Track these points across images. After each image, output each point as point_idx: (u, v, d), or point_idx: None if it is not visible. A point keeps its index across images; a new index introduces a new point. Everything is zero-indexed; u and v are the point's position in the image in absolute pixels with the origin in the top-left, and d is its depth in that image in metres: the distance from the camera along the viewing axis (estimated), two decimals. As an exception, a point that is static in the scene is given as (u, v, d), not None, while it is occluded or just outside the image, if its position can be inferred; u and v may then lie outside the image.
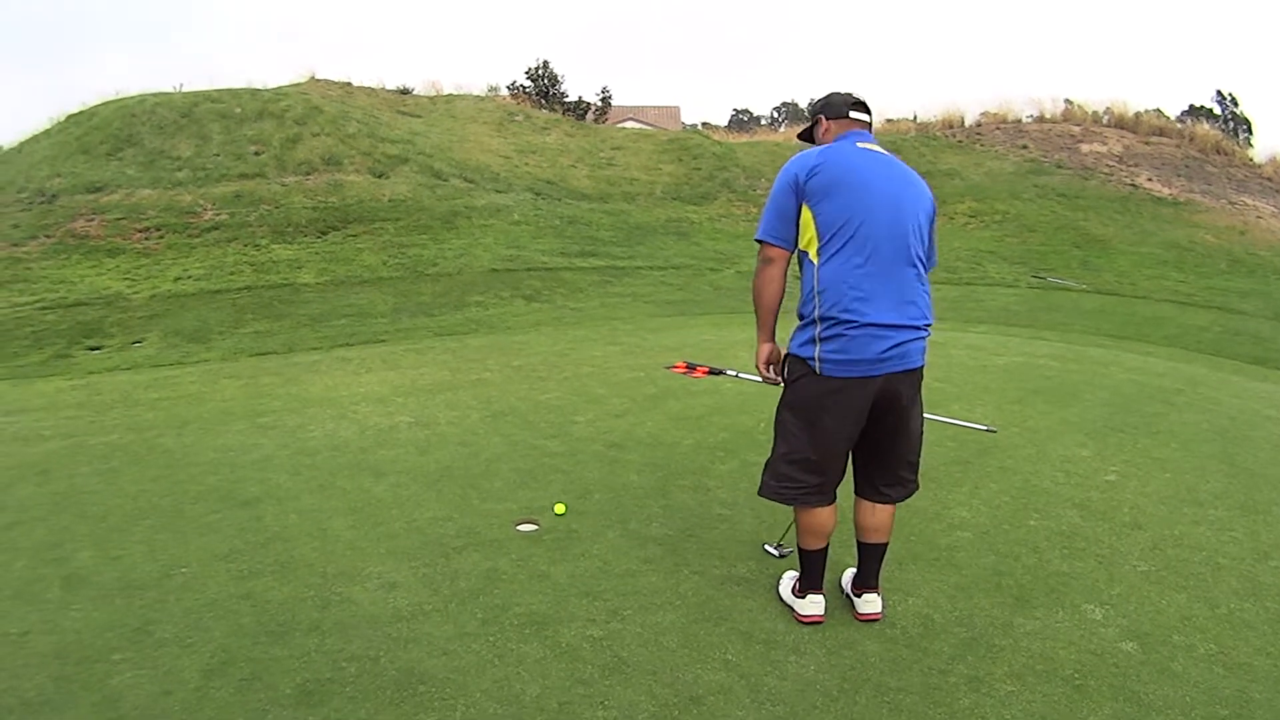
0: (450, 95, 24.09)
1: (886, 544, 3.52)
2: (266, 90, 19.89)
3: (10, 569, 4.14)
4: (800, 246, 3.28)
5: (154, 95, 18.88)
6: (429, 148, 19.33)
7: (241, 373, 8.73)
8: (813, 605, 3.50)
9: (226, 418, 6.88)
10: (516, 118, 23.17)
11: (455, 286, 12.88)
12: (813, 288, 3.20)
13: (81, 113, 18.52)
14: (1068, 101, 24.52)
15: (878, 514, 3.46)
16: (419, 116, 21.77)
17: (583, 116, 27.53)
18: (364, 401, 7.17)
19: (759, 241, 3.36)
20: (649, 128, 29.17)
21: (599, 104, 30.30)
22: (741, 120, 56.69)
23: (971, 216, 18.97)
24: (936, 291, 12.30)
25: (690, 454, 5.58)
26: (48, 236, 14.10)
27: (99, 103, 18.88)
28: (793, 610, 3.57)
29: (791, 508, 3.52)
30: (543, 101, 26.54)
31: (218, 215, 15.17)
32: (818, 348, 3.18)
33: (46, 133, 18.34)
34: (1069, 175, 21.31)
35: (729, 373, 7.33)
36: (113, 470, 5.64)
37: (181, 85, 19.89)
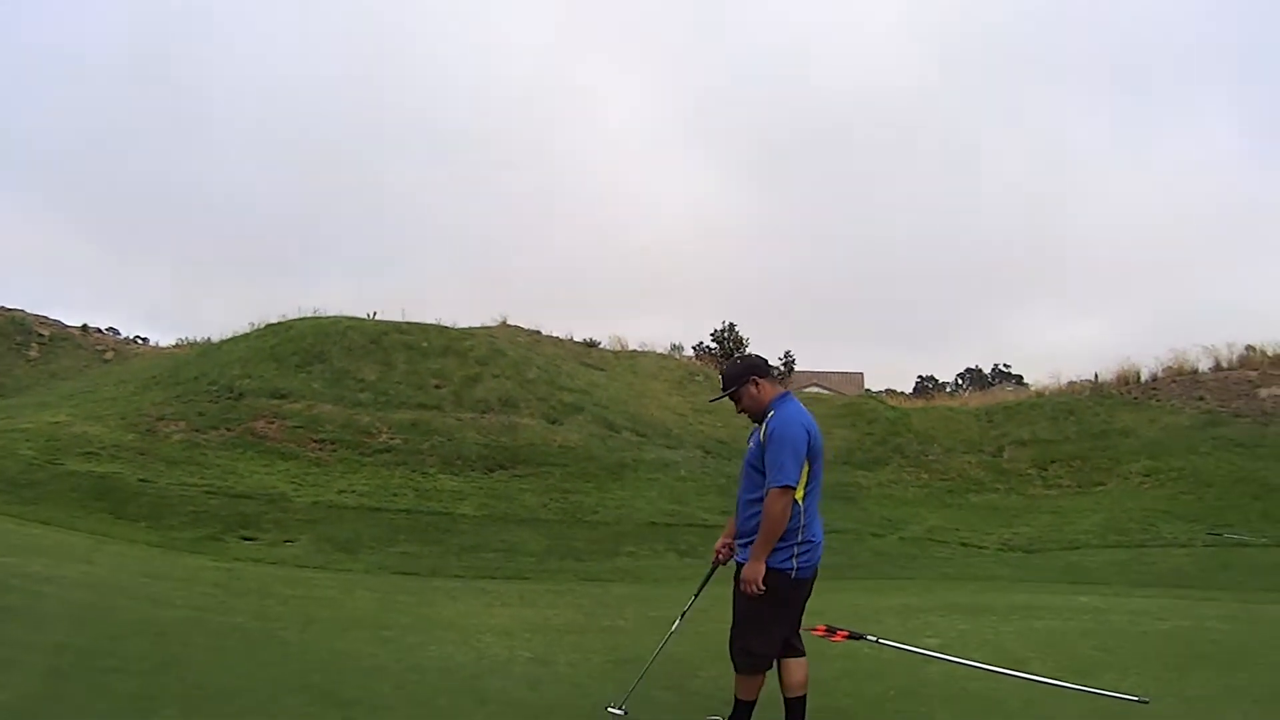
0: (634, 351, 25.03)
1: (805, 696, 4.56)
2: (454, 329, 21.17)
3: (95, 706, 4.25)
4: None
5: (348, 319, 20.46)
6: (606, 399, 19.89)
7: (380, 587, 8.78)
8: None
9: (351, 624, 6.86)
10: (697, 377, 23.76)
11: (610, 535, 12.82)
12: (799, 520, 4.33)
13: (280, 324, 20.23)
14: (1248, 348, 23.13)
15: (801, 668, 4.63)
16: (602, 370, 22.64)
17: (764, 380, 27.85)
18: (489, 632, 7.01)
19: (788, 486, 4.25)
20: (829, 392, 29.29)
21: (781, 368, 30.76)
22: (926, 387, 56.13)
23: (1146, 476, 17.80)
24: (1105, 554, 12.11)
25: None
26: (229, 430, 15.05)
27: (297, 318, 20.60)
28: None
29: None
30: (725, 362, 27.14)
31: (392, 439, 15.87)
32: (795, 560, 4.37)
33: (245, 336, 20.07)
34: (1247, 424, 19.81)
35: (869, 638, 6.84)
36: (226, 648, 5.68)
37: (375, 314, 21.51)
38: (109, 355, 23.69)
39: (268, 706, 4.59)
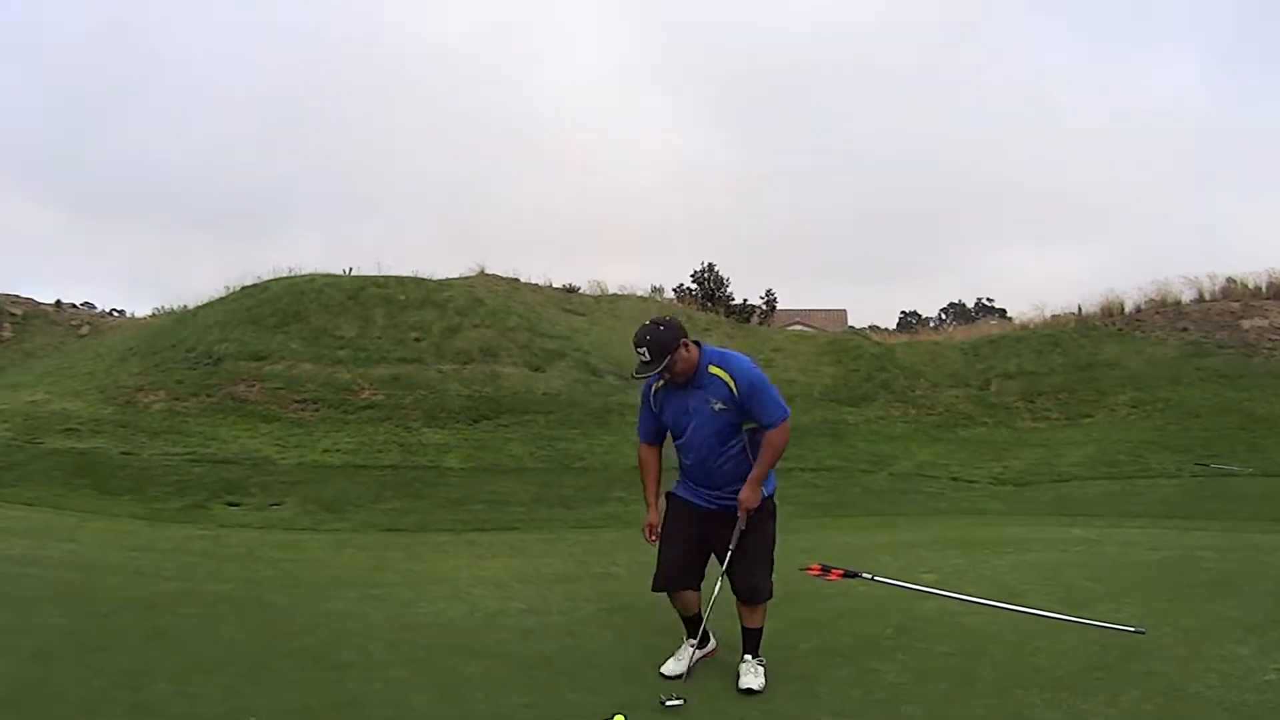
0: (615, 295, 24.90)
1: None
2: (432, 281, 21.08)
3: (86, 686, 4.31)
4: (746, 426, 4.57)
5: (323, 276, 20.32)
6: (588, 344, 19.89)
7: (368, 545, 8.86)
8: None
9: (341, 585, 6.93)
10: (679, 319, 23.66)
11: (599, 481, 12.91)
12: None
13: (255, 285, 20.07)
14: (1229, 279, 23.30)
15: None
16: (583, 315, 22.57)
17: (747, 319, 27.87)
18: (480, 584, 7.08)
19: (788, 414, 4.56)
20: (813, 330, 29.33)
21: (764, 307, 30.79)
22: (910, 322, 56.16)
23: (1133, 407, 17.98)
24: (1095, 486, 12.54)
25: (805, 658, 5.19)
26: (209, 396, 15.09)
27: (272, 278, 20.43)
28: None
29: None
30: (707, 304, 27.11)
31: (374, 395, 15.89)
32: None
33: (221, 300, 19.94)
34: (1232, 355, 20.04)
35: (864, 576, 6.94)
36: (216, 616, 5.77)
37: (351, 269, 21.34)
38: (84, 330, 23.46)
39: (259, 674, 4.64)
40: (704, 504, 4.66)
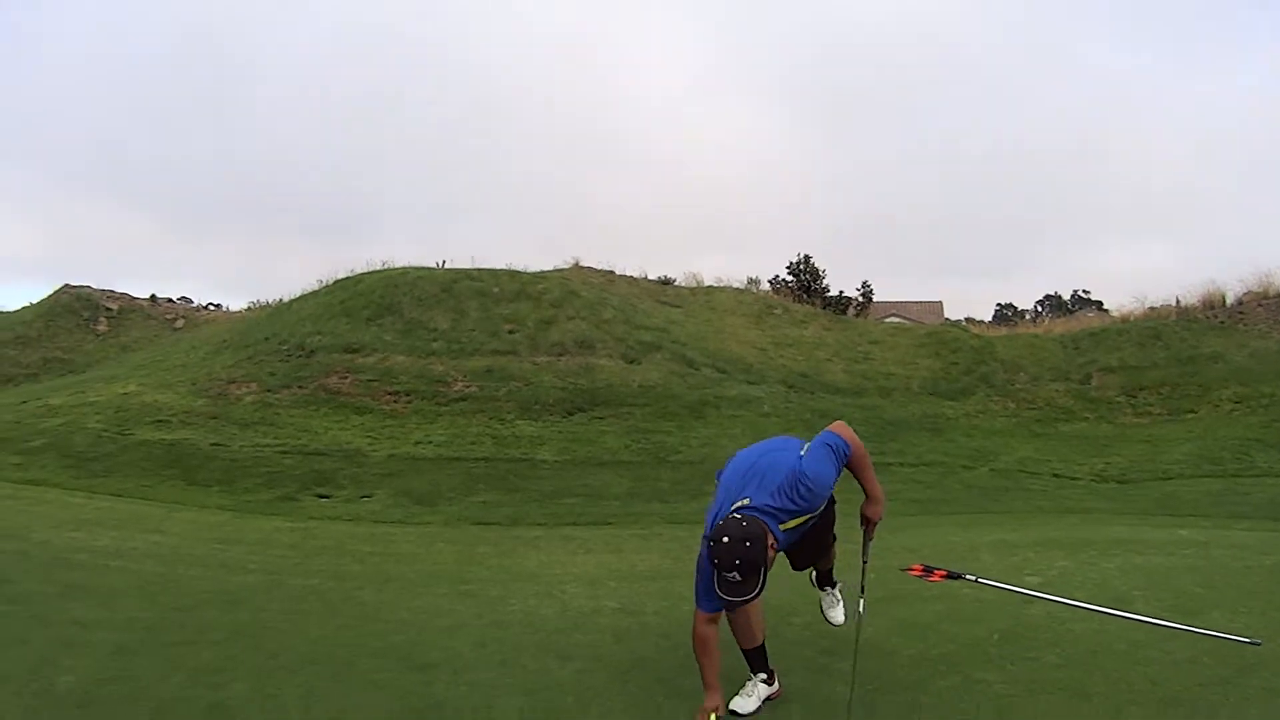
0: (710, 287, 24.62)
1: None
2: (526, 273, 20.98)
3: (164, 683, 4.28)
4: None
5: (417, 269, 20.43)
6: (684, 336, 19.61)
7: (459, 539, 8.69)
8: None
9: (430, 580, 6.77)
10: (775, 310, 23.28)
11: (696, 475, 12.57)
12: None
13: (349, 278, 20.27)
14: None
15: None
16: (678, 306, 22.32)
17: (843, 311, 27.28)
18: (573, 581, 6.84)
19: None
20: (910, 322, 28.70)
21: (860, 298, 30.16)
22: (1006, 314, 54.95)
23: (1237, 403, 17.06)
24: (1200, 485, 11.99)
25: (908, 666, 4.86)
26: (300, 387, 15.17)
27: (366, 271, 20.63)
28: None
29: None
30: (803, 295, 26.62)
31: (467, 387, 15.82)
32: None
33: (315, 293, 20.22)
34: None
35: (968, 577, 6.50)
36: (301, 612, 5.66)
37: (444, 262, 21.52)
38: (179, 324, 24.08)
39: (343, 674, 4.53)
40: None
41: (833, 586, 4.77)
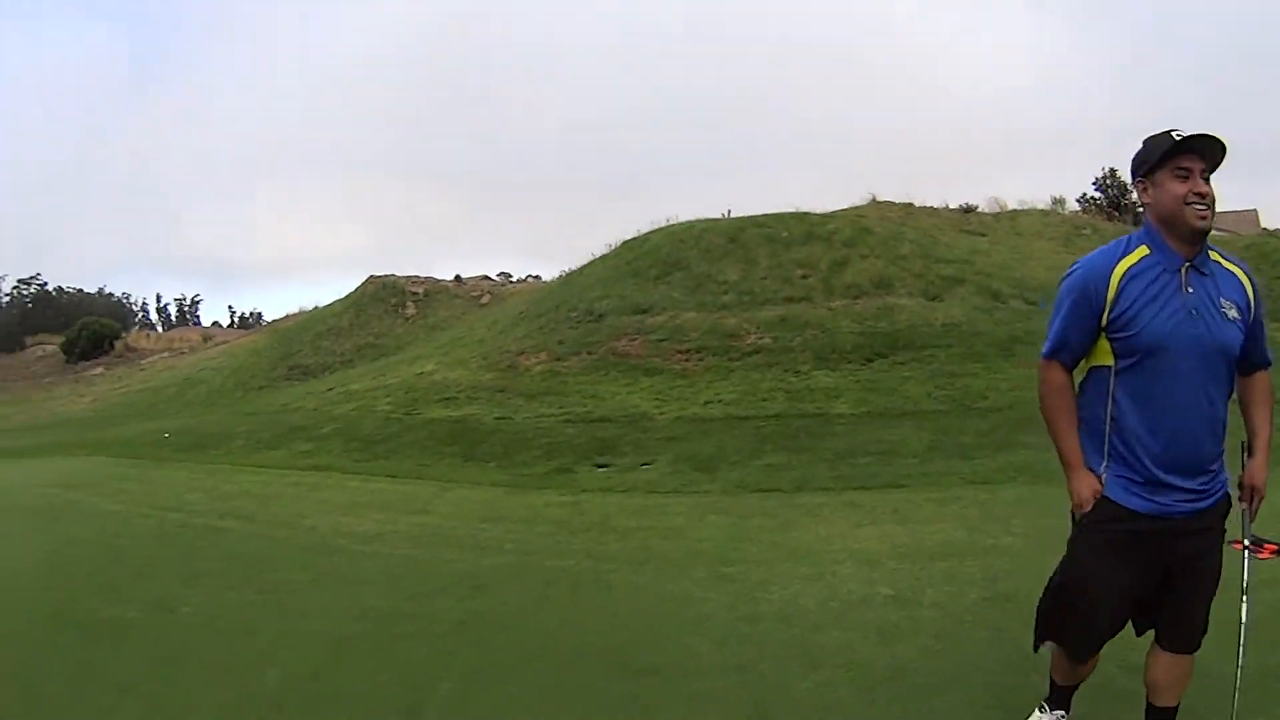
0: (1014, 211, 22.79)
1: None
2: (814, 214, 20.16)
3: (368, 681, 4.22)
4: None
5: (702, 222, 20.11)
6: (989, 267, 18.06)
7: (734, 509, 8.14)
8: None
9: (691, 560, 6.30)
10: (1084, 231, 21.21)
11: (1004, 424, 11.37)
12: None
13: (635, 239, 20.34)
14: None
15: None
16: (983, 235, 20.73)
17: (1157, 226, 24.64)
18: (849, 561, 6.11)
19: None
20: (1225, 233, 25.52)
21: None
22: (1331, 220, 47.93)
23: None
24: None
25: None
26: (589, 353, 15.25)
27: (651, 230, 20.62)
28: None
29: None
30: (1114, 212, 24.13)
31: (760, 339, 15.29)
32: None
33: (603, 258, 20.47)
34: None
35: None
36: (542, 599, 5.50)
37: (729, 211, 21.09)
38: (485, 300, 25.11)
39: (561, 675, 4.26)
40: (1172, 508, 2.85)
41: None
